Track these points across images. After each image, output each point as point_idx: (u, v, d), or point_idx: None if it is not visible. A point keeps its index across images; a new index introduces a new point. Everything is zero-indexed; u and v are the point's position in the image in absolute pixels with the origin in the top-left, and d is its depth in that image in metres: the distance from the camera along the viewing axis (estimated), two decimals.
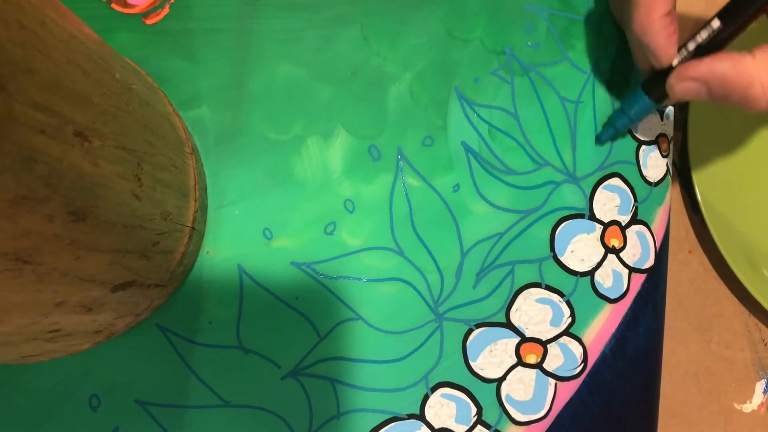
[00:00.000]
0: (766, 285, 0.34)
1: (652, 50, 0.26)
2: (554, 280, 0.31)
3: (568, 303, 0.31)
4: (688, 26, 0.40)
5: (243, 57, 0.31)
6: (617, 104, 0.33)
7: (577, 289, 0.31)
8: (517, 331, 0.30)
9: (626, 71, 0.34)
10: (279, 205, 0.30)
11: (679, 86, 0.25)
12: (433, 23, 0.33)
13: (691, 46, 0.26)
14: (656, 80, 0.28)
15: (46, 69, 0.17)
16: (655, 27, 0.25)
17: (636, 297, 0.32)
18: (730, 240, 0.34)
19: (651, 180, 0.33)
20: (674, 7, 0.25)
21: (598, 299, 0.31)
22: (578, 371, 0.31)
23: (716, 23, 0.24)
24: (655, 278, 0.32)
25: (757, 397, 0.35)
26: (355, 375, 0.29)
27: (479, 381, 0.30)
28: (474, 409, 0.30)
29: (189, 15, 0.32)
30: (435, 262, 0.30)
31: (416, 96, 0.32)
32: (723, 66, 0.23)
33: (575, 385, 0.30)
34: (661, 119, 0.34)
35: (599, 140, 0.32)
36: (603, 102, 0.33)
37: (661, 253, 0.33)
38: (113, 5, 0.32)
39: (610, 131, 0.31)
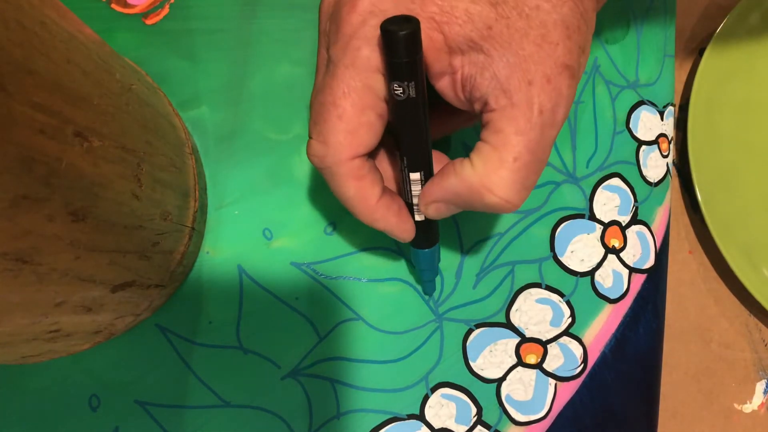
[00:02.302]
0: (766, 285, 0.34)
1: (390, 233, 0.24)
2: (554, 280, 0.31)
3: (568, 303, 0.31)
4: (690, 26, 0.40)
5: (243, 57, 0.31)
6: (617, 104, 0.33)
7: (577, 289, 0.31)
8: (517, 331, 0.30)
9: (626, 71, 0.34)
10: (279, 205, 0.30)
11: (429, 210, 0.24)
12: None
13: (415, 197, 0.24)
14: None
15: (46, 69, 0.17)
16: (379, 213, 0.23)
17: (636, 297, 0.32)
18: (730, 240, 0.34)
19: (651, 180, 0.33)
20: (382, 181, 0.23)
21: (598, 299, 0.31)
22: (578, 371, 0.31)
23: (415, 176, 0.23)
24: (655, 278, 0.32)
25: (757, 398, 0.35)
26: (355, 375, 0.29)
27: (479, 381, 0.30)
28: (474, 410, 0.30)
29: (189, 15, 0.32)
30: None
31: None
32: (451, 183, 0.22)
33: (575, 385, 0.30)
34: (662, 119, 0.34)
35: (428, 294, 0.30)
36: (603, 102, 0.33)
37: (661, 253, 0.33)
38: (113, 5, 0.32)
39: (429, 285, 0.29)
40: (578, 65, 0.21)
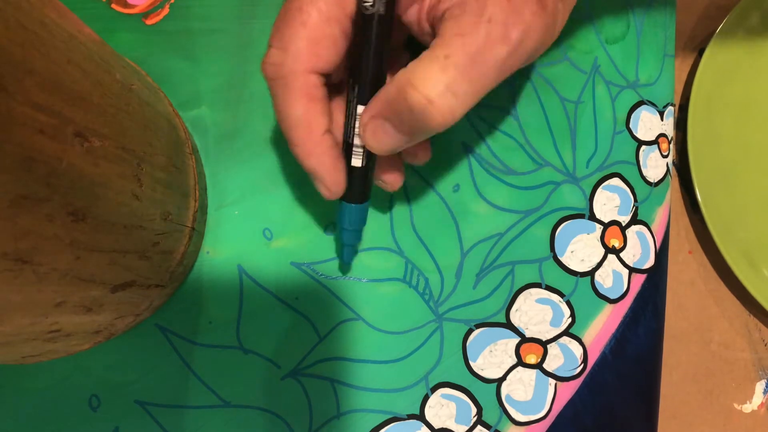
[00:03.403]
0: (766, 285, 0.34)
1: (319, 179, 0.22)
2: (554, 280, 0.31)
3: (568, 303, 0.31)
4: (690, 26, 0.40)
5: (243, 57, 0.31)
6: (617, 104, 0.33)
7: (577, 289, 0.31)
8: (517, 331, 0.30)
9: (626, 71, 0.34)
10: (279, 205, 0.30)
11: (367, 132, 0.21)
12: None
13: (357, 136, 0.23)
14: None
15: (46, 69, 0.17)
16: (319, 149, 0.22)
17: (636, 297, 0.32)
18: (730, 240, 0.34)
19: (651, 180, 0.33)
20: (331, 118, 0.22)
21: (598, 299, 0.31)
22: (578, 371, 0.31)
23: (363, 109, 0.22)
24: (655, 278, 0.32)
25: (757, 398, 0.35)
26: (355, 375, 0.29)
27: (479, 381, 0.30)
28: (474, 410, 0.30)
29: (189, 15, 0.32)
30: (435, 262, 0.30)
31: None
32: (385, 90, 0.20)
33: (575, 385, 0.30)
34: (662, 119, 0.34)
35: (344, 262, 0.28)
36: (603, 102, 0.33)
37: (661, 254, 0.33)
38: (113, 5, 0.32)
39: (349, 250, 0.28)
40: (554, 6, 0.20)
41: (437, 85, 0.19)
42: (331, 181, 0.23)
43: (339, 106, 0.24)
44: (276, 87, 0.21)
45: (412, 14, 0.21)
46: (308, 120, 0.21)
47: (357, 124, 0.22)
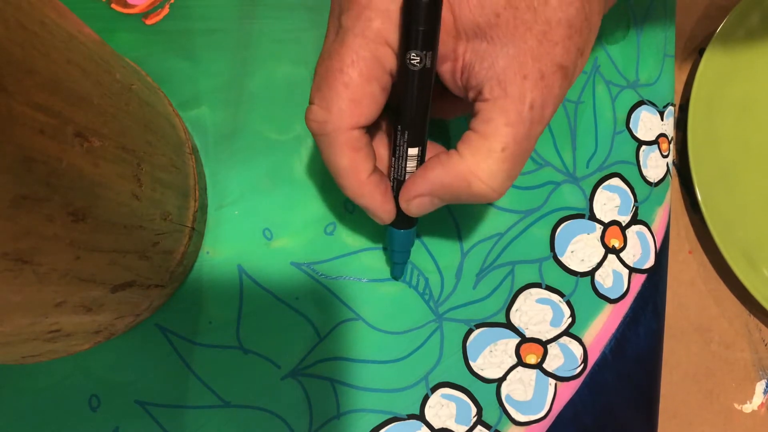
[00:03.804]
0: (766, 285, 0.34)
1: (372, 212, 0.25)
2: (554, 280, 0.31)
3: (568, 303, 0.31)
4: (690, 26, 0.40)
5: (243, 57, 0.31)
6: (617, 104, 0.33)
7: (577, 289, 0.31)
8: (517, 331, 0.30)
9: (626, 71, 0.34)
10: (279, 205, 0.30)
11: (412, 206, 0.24)
12: None
13: (409, 173, 0.24)
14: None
15: (46, 69, 0.17)
16: (367, 189, 0.24)
17: (636, 297, 0.32)
18: (730, 240, 0.35)
19: (651, 180, 0.33)
20: (374, 158, 0.24)
21: (599, 299, 0.31)
22: (578, 371, 0.31)
23: (414, 151, 0.23)
24: (655, 278, 0.32)
25: (757, 398, 0.35)
26: (355, 375, 0.29)
27: (479, 381, 0.30)
28: (474, 410, 0.30)
29: (189, 15, 0.32)
30: (435, 262, 0.30)
31: None
32: (437, 174, 0.22)
33: (575, 385, 0.30)
34: (662, 119, 0.34)
35: (395, 276, 0.30)
36: (603, 102, 0.33)
37: (661, 254, 0.33)
38: (113, 5, 0.32)
39: (399, 268, 0.29)
40: (574, 67, 0.21)
41: (500, 175, 0.21)
42: (382, 212, 0.25)
43: (378, 140, 0.25)
44: (321, 142, 0.23)
45: (446, 70, 0.22)
46: (354, 167, 0.23)
47: (408, 164, 0.24)
